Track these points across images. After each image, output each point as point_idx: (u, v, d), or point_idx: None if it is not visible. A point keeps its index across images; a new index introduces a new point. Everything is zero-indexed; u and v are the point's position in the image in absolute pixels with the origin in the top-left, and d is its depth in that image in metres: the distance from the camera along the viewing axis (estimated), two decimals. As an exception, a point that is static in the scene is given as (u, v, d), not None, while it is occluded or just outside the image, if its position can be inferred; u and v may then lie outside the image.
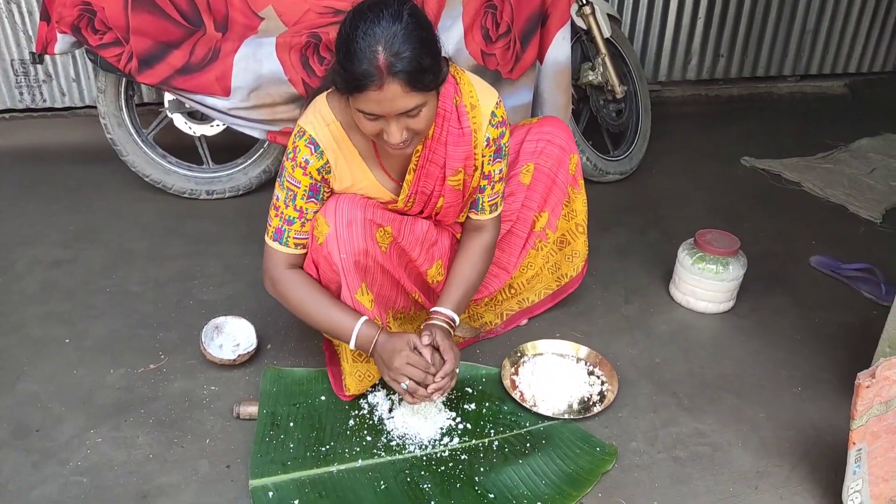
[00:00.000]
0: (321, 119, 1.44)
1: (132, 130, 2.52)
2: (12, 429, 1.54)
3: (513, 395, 1.64)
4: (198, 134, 2.58)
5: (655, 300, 2.07)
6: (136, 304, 1.99)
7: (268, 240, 1.51)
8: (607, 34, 2.66)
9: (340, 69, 1.27)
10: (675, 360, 1.82)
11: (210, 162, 2.63)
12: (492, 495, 1.40)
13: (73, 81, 3.08)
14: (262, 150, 2.59)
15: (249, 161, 2.61)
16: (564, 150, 1.77)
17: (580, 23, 2.60)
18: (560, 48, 2.40)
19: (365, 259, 1.49)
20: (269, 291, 1.55)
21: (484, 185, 1.59)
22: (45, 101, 3.11)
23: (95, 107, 2.51)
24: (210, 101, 2.30)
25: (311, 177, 1.45)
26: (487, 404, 1.64)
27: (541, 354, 1.78)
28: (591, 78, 2.68)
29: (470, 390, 1.67)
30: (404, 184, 1.53)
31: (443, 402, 1.60)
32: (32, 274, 2.12)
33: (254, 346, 1.75)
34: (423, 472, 1.45)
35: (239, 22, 2.25)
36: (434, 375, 1.44)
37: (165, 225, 2.42)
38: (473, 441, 1.53)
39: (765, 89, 3.94)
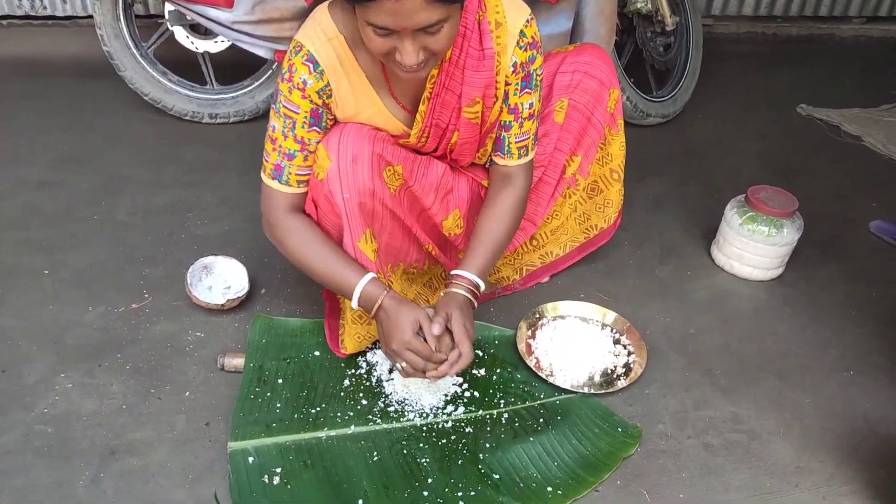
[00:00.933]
0: (321, 32, 1.22)
1: (130, 43, 2.32)
2: (-24, 367, 1.42)
3: (527, 361, 1.48)
4: (201, 50, 2.36)
5: (694, 262, 1.87)
6: (124, 235, 1.84)
7: (265, 178, 1.32)
8: (661, -45, 2.36)
9: None
10: (712, 332, 1.63)
11: (214, 82, 2.42)
12: (496, 476, 1.25)
13: (73, -13, 2.87)
14: (270, 71, 2.37)
15: (257, 83, 2.40)
16: (603, 84, 1.54)
17: (631, -59, 2.31)
18: (607, -31, 2.12)
19: (371, 201, 1.29)
20: (266, 235, 1.37)
21: (509, 122, 1.37)
22: (45, 8, 2.92)
23: (94, 16, 2.30)
24: (212, 12, 2.09)
25: (311, 100, 1.24)
26: (499, 371, 1.47)
27: (562, 317, 1.61)
28: (639, 5, 2.42)
29: (480, 353, 1.50)
30: (417, 115, 1.32)
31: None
32: (14, 195, 1.97)
33: (245, 290, 1.60)
34: (421, 445, 1.30)
35: (244, -78, 2.00)
36: (438, 365, 1.26)
37: (163, 149, 2.25)
38: (480, 412, 1.38)
39: (827, 30, 3.62)
